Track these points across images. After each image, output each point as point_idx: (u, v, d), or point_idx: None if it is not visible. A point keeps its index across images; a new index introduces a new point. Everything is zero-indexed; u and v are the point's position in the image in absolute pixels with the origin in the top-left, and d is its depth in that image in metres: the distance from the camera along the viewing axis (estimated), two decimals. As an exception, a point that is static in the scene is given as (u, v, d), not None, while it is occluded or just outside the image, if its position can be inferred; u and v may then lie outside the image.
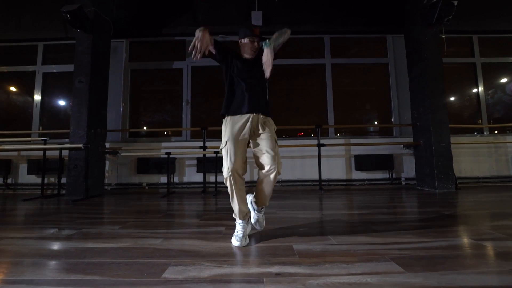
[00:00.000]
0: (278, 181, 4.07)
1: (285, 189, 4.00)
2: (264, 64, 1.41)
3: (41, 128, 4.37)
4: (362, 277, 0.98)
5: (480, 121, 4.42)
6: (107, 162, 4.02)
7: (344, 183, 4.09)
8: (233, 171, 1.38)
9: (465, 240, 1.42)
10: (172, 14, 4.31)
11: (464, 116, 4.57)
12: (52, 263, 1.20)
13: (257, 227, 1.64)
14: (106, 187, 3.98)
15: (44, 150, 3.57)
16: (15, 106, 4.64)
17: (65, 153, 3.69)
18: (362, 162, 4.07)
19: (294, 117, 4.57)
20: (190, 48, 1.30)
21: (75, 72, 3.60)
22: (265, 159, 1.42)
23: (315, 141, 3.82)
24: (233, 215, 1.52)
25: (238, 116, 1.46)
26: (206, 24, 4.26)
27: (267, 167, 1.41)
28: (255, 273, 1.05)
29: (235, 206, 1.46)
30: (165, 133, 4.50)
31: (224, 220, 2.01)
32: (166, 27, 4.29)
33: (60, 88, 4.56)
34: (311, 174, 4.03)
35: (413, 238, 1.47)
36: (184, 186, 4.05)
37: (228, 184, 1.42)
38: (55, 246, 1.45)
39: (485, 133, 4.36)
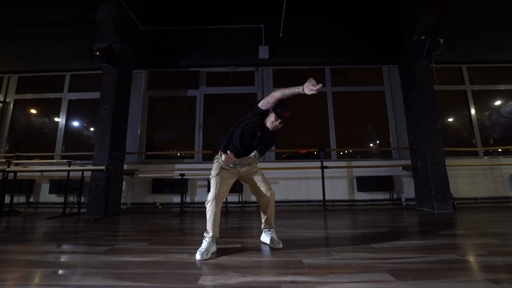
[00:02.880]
0: (284, 201, 4.30)
1: (292, 209, 4.20)
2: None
3: (63, 149, 4.72)
4: (360, 284, 1.21)
5: (474, 141, 4.68)
6: (123, 183, 4.29)
7: (348, 203, 4.28)
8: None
9: (452, 256, 1.63)
10: (188, 48, 4.81)
11: (460, 138, 4.84)
12: (102, 272, 1.44)
13: (277, 246, 1.90)
14: (122, 206, 4.22)
15: (68, 171, 3.88)
16: (41, 129, 5.04)
17: (85, 174, 3.99)
18: (363, 183, 4.29)
19: (297, 135, 4.86)
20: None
21: (101, 100, 4.00)
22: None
23: (318, 163, 4.08)
24: (205, 233, 1.82)
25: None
26: (218, 56, 4.73)
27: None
28: (273, 281, 1.28)
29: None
30: (178, 154, 4.81)
31: (238, 238, 2.24)
32: (182, 59, 4.77)
33: (82, 114, 4.97)
34: (316, 194, 4.25)
35: (407, 254, 1.68)
36: (195, 206, 4.27)
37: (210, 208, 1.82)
38: (97, 259, 1.69)
39: (480, 154, 4.60)
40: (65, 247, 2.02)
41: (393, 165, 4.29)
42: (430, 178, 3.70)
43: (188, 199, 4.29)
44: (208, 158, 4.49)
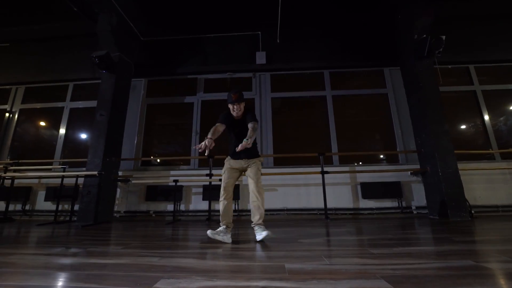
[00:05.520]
0: (283, 210, 4.04)
1: (290, 217, 3.93)
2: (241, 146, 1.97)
3: (62, 157, 4.72)
4: (346, 291, 0.99)
5: (490, 148, 4.32)
6: (118, 190, 4.19)
7: (352, 212, 3.97)
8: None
9: (466, 262, 1.37)
10: (186, 56, 4.86)
11: (476, 143, 4.48)
12: (57, 273, 1.28)
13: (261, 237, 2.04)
14: (115, 214, 4.09)
15: (62, 177, 3.83)
16: (42, 138, 5.11)
17: (80, 181, 3.93)
18: (368, 190, 4.00)
19: (299, 148, 4.60)
20: (200, 147, 1.93)
21: (98, 107, 4.02)
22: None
23: (318, 169, 3.85)
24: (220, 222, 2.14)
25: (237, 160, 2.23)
26: (215, 63, 4.72)
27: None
28: (242, 286, 1.08)
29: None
30: (181, 163, 4.70)
31: (226, 243, 2.03)
32: (180, 67, 4.80)
33: (83, 122, 5.02)
34: (317, 202, 3.98)
35: (410, 260, 1.43)
36: (190, 214, 4.08)
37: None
38: (61, 260, 1.53)
39: (498, 158, 4.23)
40: (35, 249, 1.88)
41: (400, 169, 4.00)
42: (441, 183, 3.39)
43: (182, 207, 4.11)
44: (205, 165, 4.35)
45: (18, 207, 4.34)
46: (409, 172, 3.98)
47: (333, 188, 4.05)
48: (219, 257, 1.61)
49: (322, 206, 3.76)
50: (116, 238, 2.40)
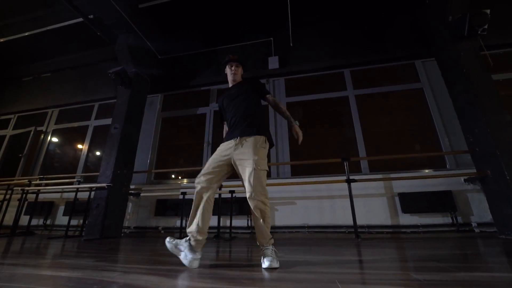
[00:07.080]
0: (304, 227, 3.46)
1: (313, 236, 3.33)
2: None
3: (83, 172, 4.85)
4: None
5: None
6: (130, 204, 4.07)
7: (390, 229, 3.23)
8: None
9: None
10: (200, 69, 4.88)
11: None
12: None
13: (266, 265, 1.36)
14: (125, 230, 3.93)
15: (76, 191, 3.85)
16: (67, 154, 5.39)
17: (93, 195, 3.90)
18: (410, 202, 3.25)
19: (321, 157, 4.05)
20: None
21: (113, 120, 4.10)
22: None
23: (343, 177, 3.28)
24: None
25: (227, 142, 1.65)
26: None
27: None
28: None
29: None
30: (182, 175, 4.50)
31: (223, 266, 1.63)
32: (193, 80, 4.81)
33: (105, 139, 5.21)
34: (344, 218, 3.34)
35: (481, 292, 0.87)
36: (200, 230, 3.72)
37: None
38: (12, 271, 1.29)
39: None
40: (7, 259, 1.69)
41: (449, 175, 3.20)
42: (511, 190, 2.57)
43: (192, 223, 3.78)
44: (216, 177, 4.04)
45: (42, 221, 4.45)
46: (462, 179, 3.17)
47: (364, 200, 3.39)
48: (192, 276, 1.21)
49: (351, 222, 3.11)
50: (99, 251, 2.14)
